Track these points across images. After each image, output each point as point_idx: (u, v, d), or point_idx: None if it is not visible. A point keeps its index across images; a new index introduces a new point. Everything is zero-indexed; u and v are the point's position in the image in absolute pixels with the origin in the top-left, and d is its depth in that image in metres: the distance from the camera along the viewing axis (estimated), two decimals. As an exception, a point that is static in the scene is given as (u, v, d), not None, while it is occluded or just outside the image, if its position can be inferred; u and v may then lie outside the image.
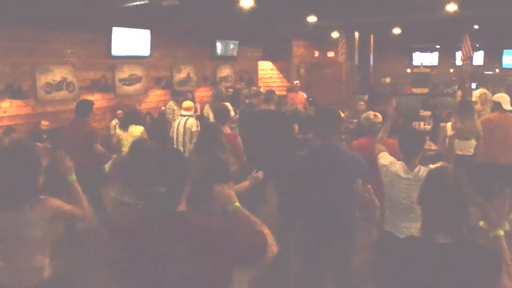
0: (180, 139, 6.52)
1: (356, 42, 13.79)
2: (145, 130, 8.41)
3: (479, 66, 16.57)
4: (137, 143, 3.49)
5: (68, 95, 8.55)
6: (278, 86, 14.49)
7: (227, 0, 8.17)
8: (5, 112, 7.65)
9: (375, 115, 4.60)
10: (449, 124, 5.71)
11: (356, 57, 13.99)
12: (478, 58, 16.89)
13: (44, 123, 7.92)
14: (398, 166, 3.43)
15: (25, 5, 7.05)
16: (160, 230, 1.86)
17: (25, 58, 7.83)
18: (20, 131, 7.50)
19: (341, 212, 3.37)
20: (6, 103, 7.66)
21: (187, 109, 6.72)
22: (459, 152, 5.34)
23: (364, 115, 4.73)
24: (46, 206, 2.55)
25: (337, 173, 3.30)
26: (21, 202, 2.49)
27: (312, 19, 10.62)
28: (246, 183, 3.88)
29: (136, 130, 6.46)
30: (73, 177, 2.80)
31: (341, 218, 3.38)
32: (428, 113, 10.53)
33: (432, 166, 3.29)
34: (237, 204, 2.17)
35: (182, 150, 6.43)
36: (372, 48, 15.10)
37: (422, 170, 3.31)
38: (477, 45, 14.98)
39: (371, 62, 15.31)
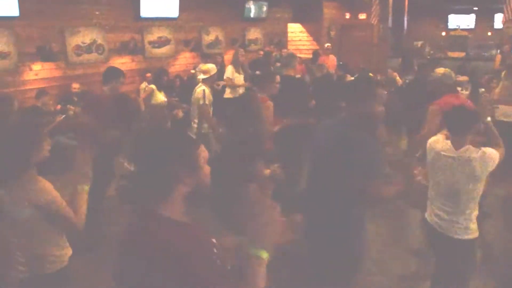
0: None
1: (390, 3, 13.24)
2: (175, 95, 8.36)
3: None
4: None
5: (98, 57, 8.51)
6: (308, 49, 14.12)
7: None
8: (36, 75, 7.68)
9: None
10: (496, 90, 5.45)
11: (390, 19, 13.46)
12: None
13: (75, 86, 7.93)
14: (442, 144, 3.06)
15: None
16: (129, 230, 1.56)
17: (54, 20, 7.78)
18: (52, 93, 7.52)
19: (336, 204, 2.71)
20: (37, 66, 7.68)
21: (203, 72, 6.11)
22: (504, 119, 5.11)
23: (440, 72, 4.27)
24: (31, 188, 2.36)
25: (340, 157, 2.62)
26: (9, 178, 2.36)
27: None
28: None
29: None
30: (86, 188, 2.52)
31: (335, 213, 2.72)
32: (465, 78, 10.09)
33: (485, 149, 2.93)
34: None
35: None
36: (406, 10, 14.52)
37: (471, 150, 2.91)
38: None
39: (405, 25, 14.75)
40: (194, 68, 9.42)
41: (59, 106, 7.64)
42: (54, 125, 6.98)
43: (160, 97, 7.38)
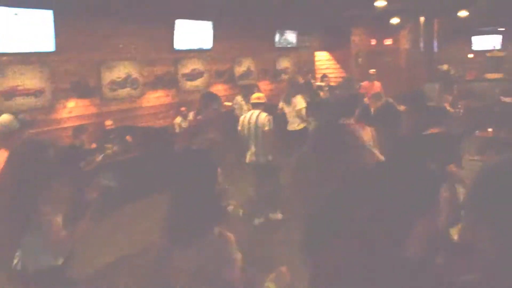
0: (247, 135, 5.70)
1: (422, 28, 12.88)
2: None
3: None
4: None
5: (132, 92, 8.13)
6: (336, 77, 13.75)
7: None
8: (70, 112, 7.29)
9: None
10: None
11: (422, 44, 13.08)
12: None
13: (108, 123, 7.51)
14: None
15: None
16: None
17: (90, 54, 7.44)
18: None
19: None
20: (71, 103, 7.29)
21: (258, 98, 5.97)
22: None
23: None
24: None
25: None
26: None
27: (381, 3, 9.82)
28: None
29: None
30: None
31: None
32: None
33: None
34: None
35: (248, 149, 5.70)
36: (436, 33, 14.14)
37: None
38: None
39: (435, 48, 14.33)
40: (231, 101, 8.99)
41: (94, 145, 7.20)
42: (94, 165, 6.54)
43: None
